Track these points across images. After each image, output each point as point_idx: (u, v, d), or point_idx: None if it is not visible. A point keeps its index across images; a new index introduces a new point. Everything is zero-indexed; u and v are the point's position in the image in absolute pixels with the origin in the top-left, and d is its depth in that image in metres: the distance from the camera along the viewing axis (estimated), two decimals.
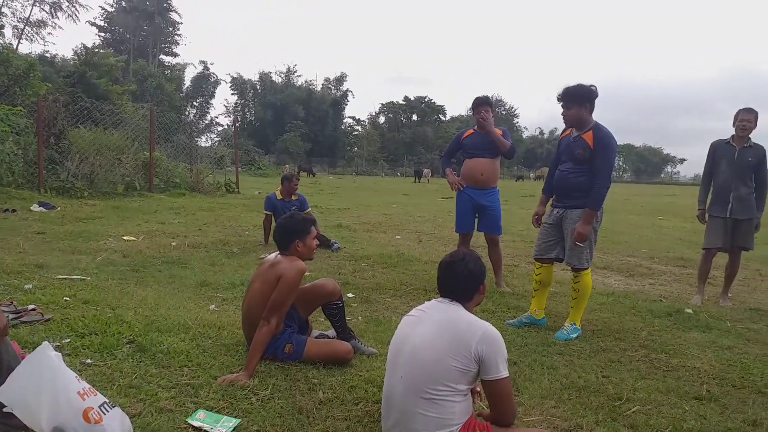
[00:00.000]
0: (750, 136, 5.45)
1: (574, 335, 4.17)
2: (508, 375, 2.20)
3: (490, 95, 5.94)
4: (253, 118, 65.82)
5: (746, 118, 5.42)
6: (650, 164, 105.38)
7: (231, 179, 17.50)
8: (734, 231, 5.49)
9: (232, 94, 66.66)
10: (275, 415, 2.64)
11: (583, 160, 4.17)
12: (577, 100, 4.14)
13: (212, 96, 62.81)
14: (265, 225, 7.77)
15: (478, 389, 2.60)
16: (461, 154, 5.74)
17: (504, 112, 79.63)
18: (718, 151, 5.61)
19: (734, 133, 5.47)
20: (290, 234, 3.30)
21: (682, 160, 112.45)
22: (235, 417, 2.57)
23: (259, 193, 16.94)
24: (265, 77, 66.18)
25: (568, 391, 3.13)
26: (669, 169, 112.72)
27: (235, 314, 4.11)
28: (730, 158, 5.48)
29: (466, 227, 5.72)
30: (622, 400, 3.03)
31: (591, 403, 2.98)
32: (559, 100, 4.24)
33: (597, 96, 4.17)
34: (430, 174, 42.33)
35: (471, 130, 5.65)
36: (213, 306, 4.43)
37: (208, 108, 62.79)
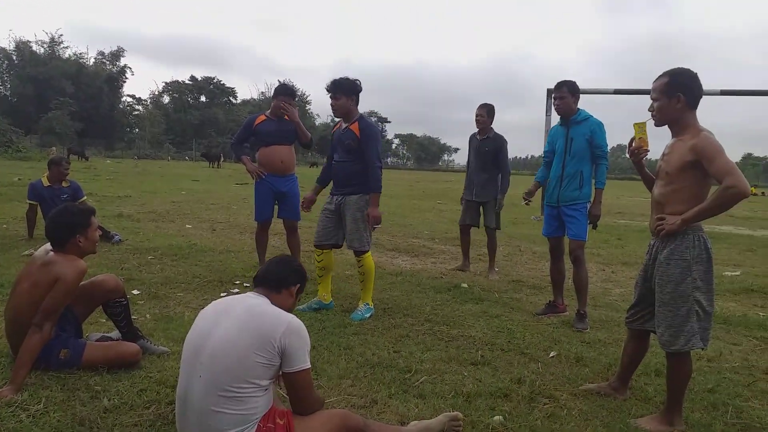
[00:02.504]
0: (492, 127, 6.35)
1: (368, 314, 4.39)
2: (309, 366, 2.20)
3: (283, 80, 6.00)
4: (8, 93, 56.66)
5: (479, 113, 6.35)
6: (429, 153, 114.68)
7: None
8: (483, 212, 6.44)
9: None
10: (51, 431, 2.34)
11: (353, 149, 4.45)
12: (345, 91, 4.43)
13: None
14: (29, 217, 6.80)
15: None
16: (255, 140, 5.63)
17: (296, 99, 79.92)
18: (471, 142, 6.55)
19: None
20: (68, 229, 2.91)
21: (456, 149, 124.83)
22: None
23: (19, 179, 14.76)
24: (23, 47, 57.16)
25: (364, 368, 3.29)
26: (446, 157, 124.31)
27: None
28: (475, 148, 6.42)
29: (266, 215, 5.66)
30: (412, 372, 3.28)
31: (384, 377, 3.17)
32: (328, 90, 4.49)
33: (361, 90, 4.52)
34: (222, 159, 40.73)
35: (263, 117, 5.57)
36: None
37: None
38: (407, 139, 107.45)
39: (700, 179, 2.66)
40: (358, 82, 4.48)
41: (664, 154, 2.84)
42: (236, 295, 2.40)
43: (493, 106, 6.35)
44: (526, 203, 5.04)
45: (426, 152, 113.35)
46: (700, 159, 2.60)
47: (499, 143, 6.29)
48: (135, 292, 4.63)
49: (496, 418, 2.72)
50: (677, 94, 2.70)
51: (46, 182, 6.78)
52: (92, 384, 2.80)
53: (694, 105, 2.73)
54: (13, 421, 2.39)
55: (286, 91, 5.58)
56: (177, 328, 3.75)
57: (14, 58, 56.90)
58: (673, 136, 2.82)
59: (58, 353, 2.90)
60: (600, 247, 8.97)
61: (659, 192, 2.82)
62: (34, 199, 6.74)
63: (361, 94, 4.53)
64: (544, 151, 4.95)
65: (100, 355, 2.99)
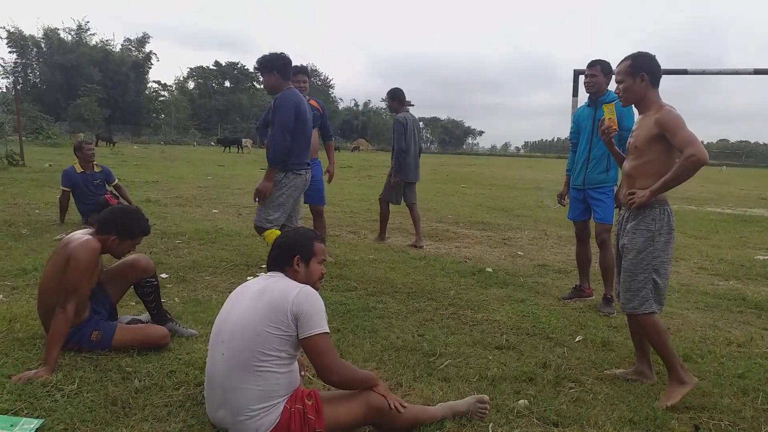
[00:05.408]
0: (408, 108, 6.60)
1: None
2: (327, 331, 2.21)
3: (305, 64, 5.90)
4: (38, 80, 57.69)
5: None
6: (453, 136, 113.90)
7: (14, 150, 15.31)
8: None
9: (9, 52, 57.30)
10: (85, 410, 2.42)
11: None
12: (266, 67, 4.38)
13: None
14: (61, 202, 6.98)
15: (302, 359, 2.62)
16: None
17: (319, 83, 79.52)
18: None
19: None
20: (114, 225, 3.00)
21: (480, 132, 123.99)
22: (37, 417, 2.31)
23: (50, 165, 15.08)
24: (51, 34, 57.91)
25: (389, 352, 3.32)
26: (470, 140, 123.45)
27: (29, 304, 3.67)
28: None
29: None
30: (436, 356, 3.29)
31: (409, 361, 3.20)
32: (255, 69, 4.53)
33: (285, 63, 4.40)
34: (250, 143, 40.84)
35: None
36: (1, 296, 3.89)
37: None
38: (431, 123, 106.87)
39: (667, 152, 2.85)
40: (279, 55, 4.38)
41: (633, 131, 3.05)
42: (260, 275, 2.46)
43: (395, 91, 6.52)
44: (561, 205, 5.01)
45: (450, 135, 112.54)
46: (664, 132, 2.80)
47: (393, 122, 6.42)
48: (164, 275, 4.71)
49: (521, 401, 2.73)
50: (641, 73, 2.92)
51: (78, 168, 6.96)
52: (123, 365, 2.87)
53: (656, 83, 2.96)
54: (48, 400, 2.47)
55: (298, 70, 5.49)
56: (205, 311, 3.82)
57: (43, 45, 57.77)
58: (639, 114, 3.04)
59: (90, 335, 2.98)
60: None
61: (630, 165, 3.02)
62: (67, 185, 6.91)
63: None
64: (570, 133, 4.87)
65: (130, 338, 3.07)
